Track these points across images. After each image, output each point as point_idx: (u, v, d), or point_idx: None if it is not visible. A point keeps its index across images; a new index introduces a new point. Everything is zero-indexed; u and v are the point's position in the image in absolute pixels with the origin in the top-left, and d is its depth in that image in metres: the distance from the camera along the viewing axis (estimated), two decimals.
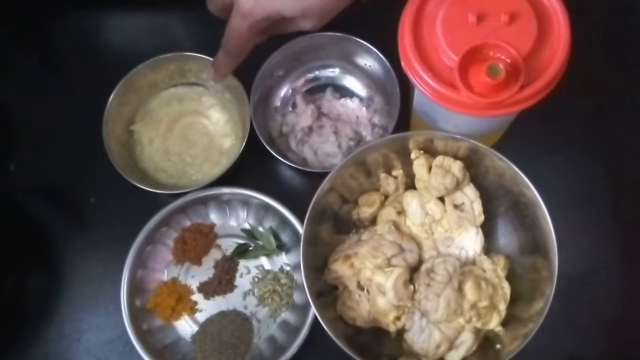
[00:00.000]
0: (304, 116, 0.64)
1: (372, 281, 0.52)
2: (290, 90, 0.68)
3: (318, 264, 0.55)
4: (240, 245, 0.62)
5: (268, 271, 0.61)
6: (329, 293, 0.55)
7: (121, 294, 0.58)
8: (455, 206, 0.54)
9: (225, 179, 0.60)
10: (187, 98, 0.67)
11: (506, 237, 0.56)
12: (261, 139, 0.60)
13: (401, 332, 0.53)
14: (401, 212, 0.56)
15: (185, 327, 0.60)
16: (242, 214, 0.63)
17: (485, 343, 0.52)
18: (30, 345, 0.61)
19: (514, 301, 0.52)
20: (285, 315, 0.60)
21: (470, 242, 0.54)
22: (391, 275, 0.51)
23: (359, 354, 0.48)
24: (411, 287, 0.52)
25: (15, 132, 0.69)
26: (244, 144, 0.60)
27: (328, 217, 0.56)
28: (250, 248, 0.62)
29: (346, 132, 0.64)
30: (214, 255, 0.63)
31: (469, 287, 0.50)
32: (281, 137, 0.65)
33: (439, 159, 0.53)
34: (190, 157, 0.65)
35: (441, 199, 0.55)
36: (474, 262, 0.54)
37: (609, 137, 0.64)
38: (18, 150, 0.68)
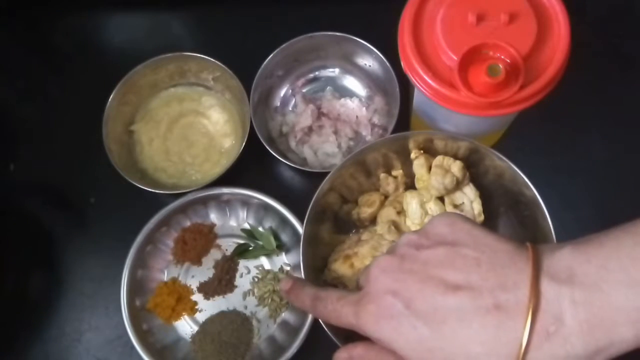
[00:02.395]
0: (303, 116, 0.64)
1: None
2: (290, 90, 0.68)
3: (318, 264, 0.55)
4: (240, 245, 0.62)
5: (268, 271, 0.61)
6: None
7: (121, 294, 0.58)
8: (455, 206, 0.54)
9: (225, 179, 0.60)
10: (187, 98, 0.67)
11: None
12: (261, 139, 0.60)
13: None
14: (401, 212, 0.56)
15: (185, 327, 0.60)
16: (242, 214, 0.63)
17: None
18: (30, 345, 0.61)
19: None
20: (285, 315, 0.60)
21: None
22: None
23: None
24: None
25: (15, 132, 0.69)
26: (244, 144, 0.60)
27: (328, 217, 0.56)
28: (250, 248, 0.62)
29: (346, 132, 0.64)
30: (214, 255, 0.63)
31: None
32: (281, 137, 0.65)
33: (439, 158, 0.53)
34: (190, 157, 0.65)
35: (441, 199, 0.55)
36: None
37: (609, 136, 0.64)
38: (18, 150, 0.68)
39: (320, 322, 0.49)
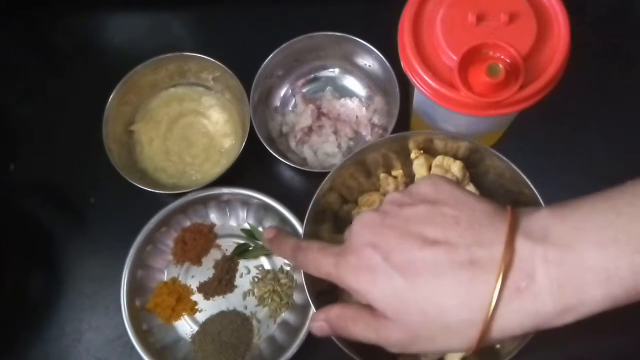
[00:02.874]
0: (303, 116, 0.64)
1: None
2: (290, 90, 0.68)
3: None
4: (240, 245, 0.62)
5: (268, 271, 0.61)
6: (329, 293, 0.55)
7: (121, 294, 0.58)
8: None
9: (225, 179, 0.60)
10: (187, 98, 0.67)
11: None
12: (261, 139, 0.60)
13: None
14: None
15: (185, 327, 0.60)
16: (242, 214, 0.63)
17: None
18: (30, 345, 0.61)
19: None
20: (285, 315, 0.60)
21: None
22: None
23: (358, 354, 0.48)
24: None
25: (15, 132, 0.69)
26: (244, 144, 0.60)
27: (328, 217, 0.56)
28: (250, 248, 0.62)
29: (346, 132, 0.64)
30: (214, 255, 0.63)
31: None
32: (281, 137, 0.65)
33: (439, 158, 0.53)
34: (190, 157, 0.65)
35: None
36: None
37: (609, 136, 0.64)
38: (18, 150, 0.68)
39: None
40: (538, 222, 0.33)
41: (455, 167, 0.52)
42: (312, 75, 0.68)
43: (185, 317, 0.61)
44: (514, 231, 0.33)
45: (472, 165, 0.54)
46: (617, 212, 0.32)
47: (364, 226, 0.37)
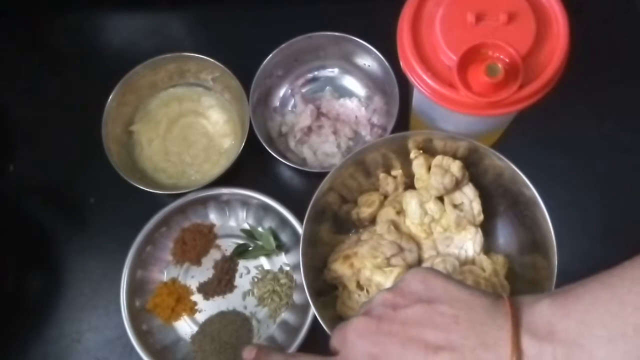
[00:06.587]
0: (303, 116, 0.64)
1: (372, 281, 0.52)
2: (290, 90, 0.68)
3: (318, 264, 0.55)
4: (239, 246, 0.62)
5: (267, 271, 0.61)
6: (328, 293, 0.55)
7: (121, 294, 0.58)
8: (455, 206, 0.54)
9: (225, 179, 0.60)
10: (187, 98, 0.67)
11: (506, 237, 0.56)
12: (260, 139, 0.60)
13: None
14: (400, 212, 0.56)
15: (185, 327, 0.60)
16: (242, 214, 0.63)
17: None
18: (30, 345, 0.61)
19: None
20: (285, 315, 0.60)
21: (469, 241, 0.54)
22: (391, 275, 0.51)
23: None
24: None
25: (15, 132, 0.69)
26: (243, 144, 0.60)
27: (327, 217, 0.56)
28: (250, 248, 0.62)
29: (345, 132, 0.64)
30: (214, 255, 0.63)
31: None
32: (280, 137, 0.65)
33: (438, 158, 0.53)
34: (189, 158, 0.65)
35: (440, 199, 0.55)
36: (473, 262, 0.54)
37: (608, 136, 0.64)
38: (18, 150, 0.68)
39: (320, 322, 0.49)
40: (541, 317, 0.32)
41: (455, 167, 0.52)
42: (312, 75, 0.68)
43: (185, 317, 0.61)
44: (518, 328, 0.32)
45: (471, 165, 0.54)
46: (620, 302, 0.30)
47: (359, 335, 0.35)
